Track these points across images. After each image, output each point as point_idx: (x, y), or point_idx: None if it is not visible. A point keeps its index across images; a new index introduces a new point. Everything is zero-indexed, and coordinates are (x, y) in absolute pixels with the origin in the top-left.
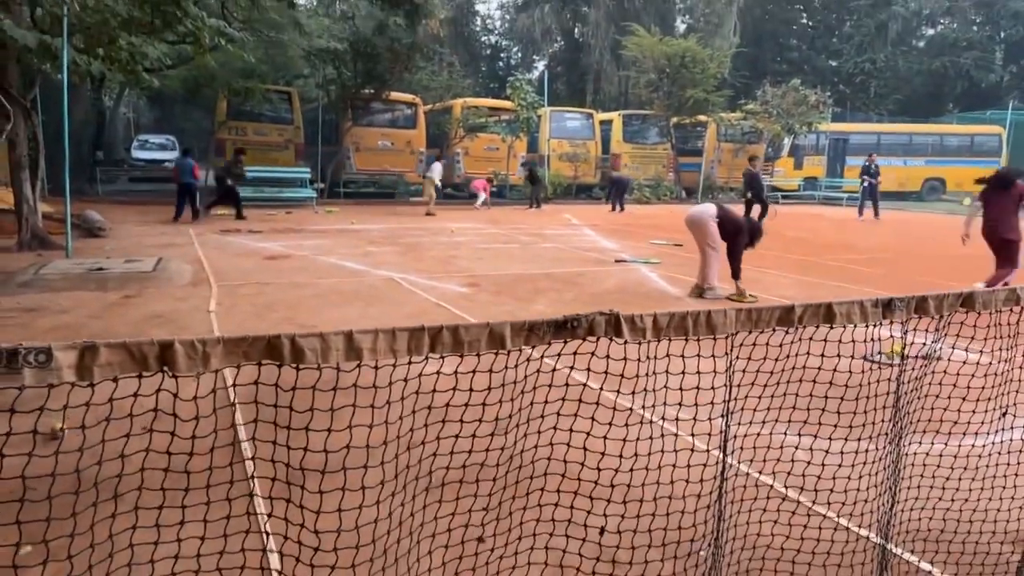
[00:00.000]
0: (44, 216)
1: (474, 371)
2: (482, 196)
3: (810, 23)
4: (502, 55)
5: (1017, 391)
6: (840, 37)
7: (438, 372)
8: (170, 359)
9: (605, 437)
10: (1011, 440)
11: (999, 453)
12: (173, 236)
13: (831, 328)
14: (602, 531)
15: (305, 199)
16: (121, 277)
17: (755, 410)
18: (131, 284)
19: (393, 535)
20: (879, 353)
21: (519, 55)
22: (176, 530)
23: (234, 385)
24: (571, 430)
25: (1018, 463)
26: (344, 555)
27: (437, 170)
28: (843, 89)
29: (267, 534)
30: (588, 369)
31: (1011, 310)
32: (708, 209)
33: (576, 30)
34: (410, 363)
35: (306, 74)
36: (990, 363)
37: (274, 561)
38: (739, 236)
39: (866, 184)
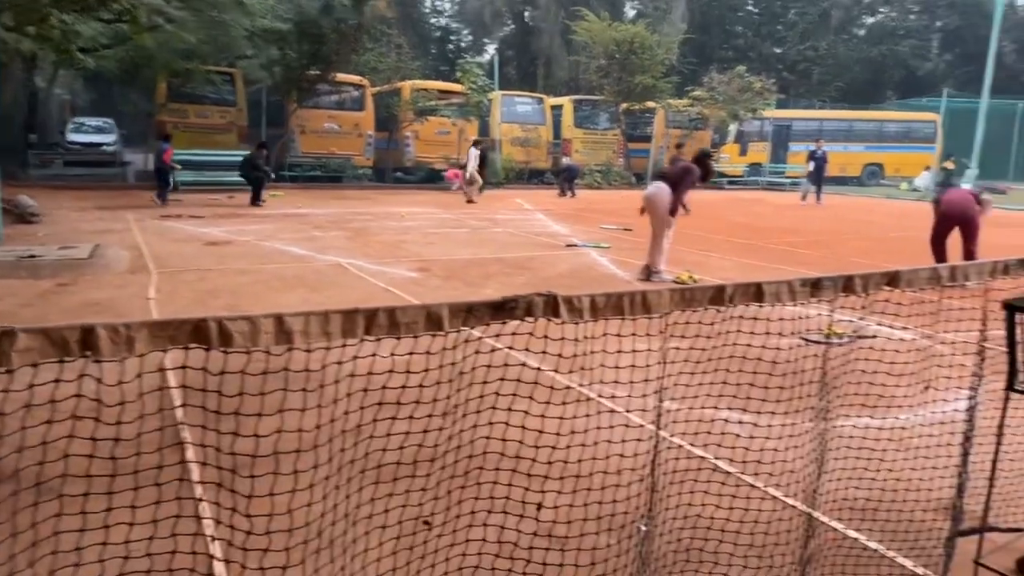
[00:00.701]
0: None
1: (411, 354)
2: (456, 183)
3: (756, 10)
4: (452, 38)
5: (939, 366)
6: (784, 24)
7: (374, 355)
8: (92, 344)
9: (543, 416)
10: (933, 413)
11: (922, 425)
12: (110, 222)
13: (761, 307)
14: (539, 507)
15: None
16: (55, 264)
17: (688, 386)
18: (66, 271)
19: (328, 518)
20: (814, 331)
21: (469, 38)
22: (103, 517)
23: (162, 370)
24: (510, 410)
25: (940, 435)
26: (278, 539)
27: (473, 156)
28: (787, 76)
29: (199, 519)
30: (527, 350)
31: (934, 288)
32: (663, 186)
33: (526, 14)
34: (344, 346)
35: (250, 55)
36: (913, 339)
37: (208, 547)
38: (688, 175)
39: (812, 169)
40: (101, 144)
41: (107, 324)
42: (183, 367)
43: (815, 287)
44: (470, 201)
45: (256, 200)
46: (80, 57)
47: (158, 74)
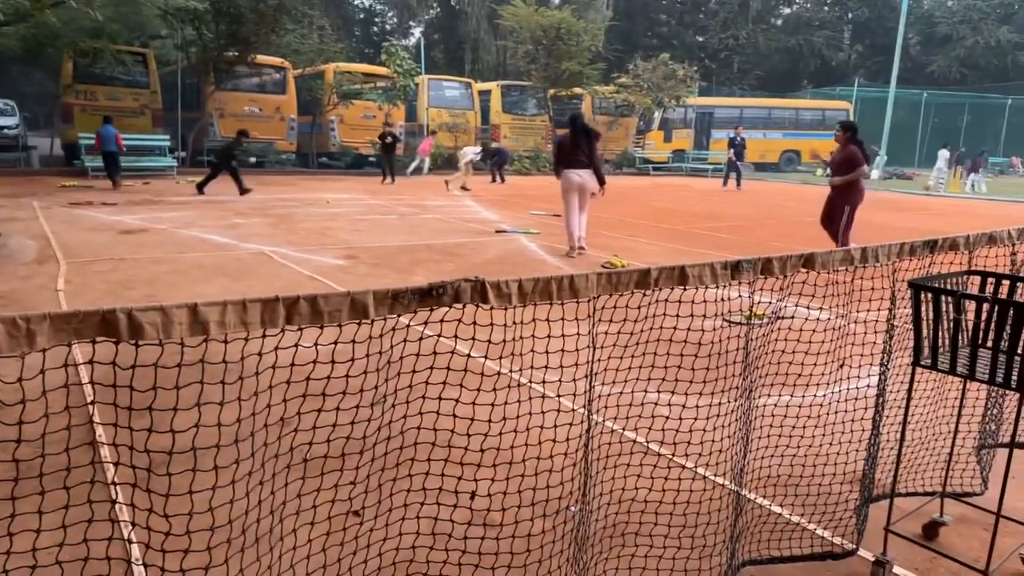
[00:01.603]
0: None
1: (335, 343)
2: (418, 160)
3: None
4: (376, 20)
5: (852, 344)
6: (706, 13)
7: (296, 345)
8: None
9: (474, 403)
10: (847, 390)
11: (837, 401)
12: (14, 210)
13: (685, 290)
14: (473, 495)
15: (164, 168)
16: None
17: (618, 370)
18: None
19: (252, 515)
20: (737, 312)
21: (394, 20)
22: (6, 524)
23: (67, 366)
24: (440, 398)
25: (854, 410)
26: (198, 538)
27: (471, 152)
28: (709, 64)
29: (115, 522)
30: (456, 336)
31: (847, 270)
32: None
33: None
34: (264, 336)
35: (163, 35)
36: (828, 319)
37: (123, 550)
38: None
39: (732, 155)
40: (2, 127)
41: (5, 317)
42: (91, 362)
43: (735, 270)
44: (464, 188)
45: (203, 187)
46: None
47: (63, 53)
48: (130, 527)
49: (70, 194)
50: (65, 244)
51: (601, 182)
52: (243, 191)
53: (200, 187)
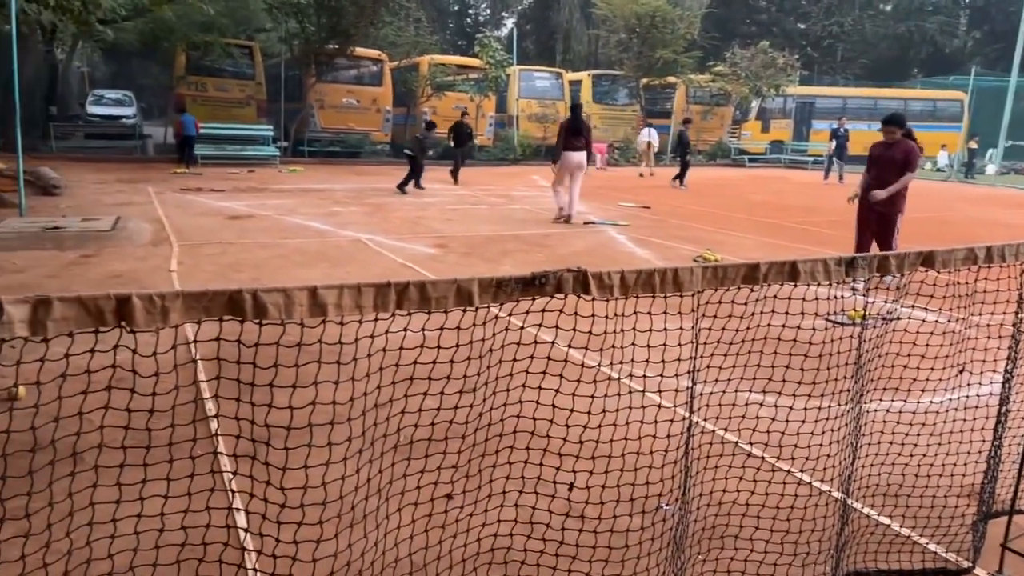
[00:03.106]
0: None
1: (442, 328)
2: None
3: None
4: (470, 12)
5: (973, 349)
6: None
7: (405, 329)
8: (127, 314)
9: (573, 395)
10: (967, 397)
11: (955, 410)
12: (131, 195)
13: (795, 287)
14: (571, 487)
15: (268, 157)
16: (78, 236)
17: (721, 367)
18: (89, 243)
19: (361, 492)
20: (840, 312)
21: (487, 12)
22: (138, 489)
23: (195, 341)
24: (540, 388)
25: (974, 419)
26: (311, 511)
27: (652, 135)
28: (811, 52)
29: (232, 492)
30: (556, 327)
31: (968, 270)
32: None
33: None
34: (376, 320)
35: (268, 28)
36: (947, 323)
37: (240, 519)
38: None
39: (833, 148)
40: (121, 117)
41: (142, 294)
42: (218, 339)
43: (850, 266)
44: (641, 175)
45: (410, 184)
46: (100, 29)
47: (177, 47)
48: (248, 498)
49: (182, 180)
50: (177, 228)
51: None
52: (407, 187)
53: (402, 187)
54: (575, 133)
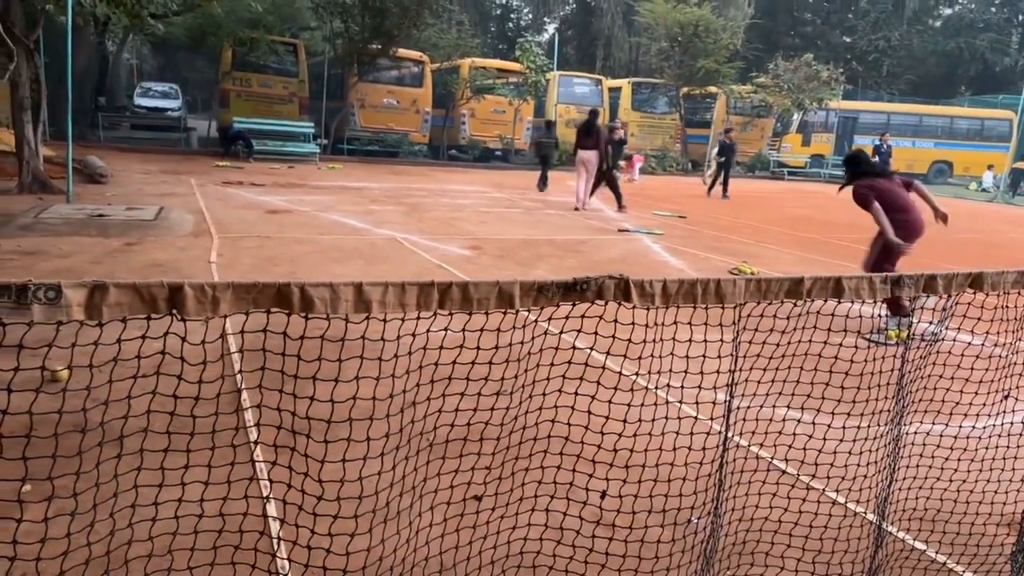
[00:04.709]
0: (45, 160)
1: (481, 330)
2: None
3: None
4: (512, 15)
5: (1022, 375)
6: (856, 13)
7: (446, 329)
8: (179, 302)
9: (610, 402)
10: (1010, 424)
11: (998, 436)
12: (174, 185)
13: (838, 303)
14: (603, 495)
15: (308, 154)
16: (122, 224)
17: (760, 382)
18: (132, 232)
19: (396, 488)
20: (880, 332)
21: (529, 16)
22: (180, 474)
23: (242, 332)
24: (576, 393)
25: (1017, 446)
26: (347, 505)
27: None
28: (856, 66)
29: (271, 482)
30: (596, 333)
31: (1019, 293)
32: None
33: None
34: (419, 318)
35: (313, 26)
36: (994, 346)
37: (276, 509)
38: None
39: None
40: (167, 109)
41: (195, 283)
42: (264, 330)
43: (896, 284)
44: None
45: (546, 183)
46: (151, 23)
47: (223, 42)
48: (286, 488)
49: (223, 173)
50: (218, 220)
51: (602, 160)
52: (543, 185)
53: (542, 186)
54: (586, 135)
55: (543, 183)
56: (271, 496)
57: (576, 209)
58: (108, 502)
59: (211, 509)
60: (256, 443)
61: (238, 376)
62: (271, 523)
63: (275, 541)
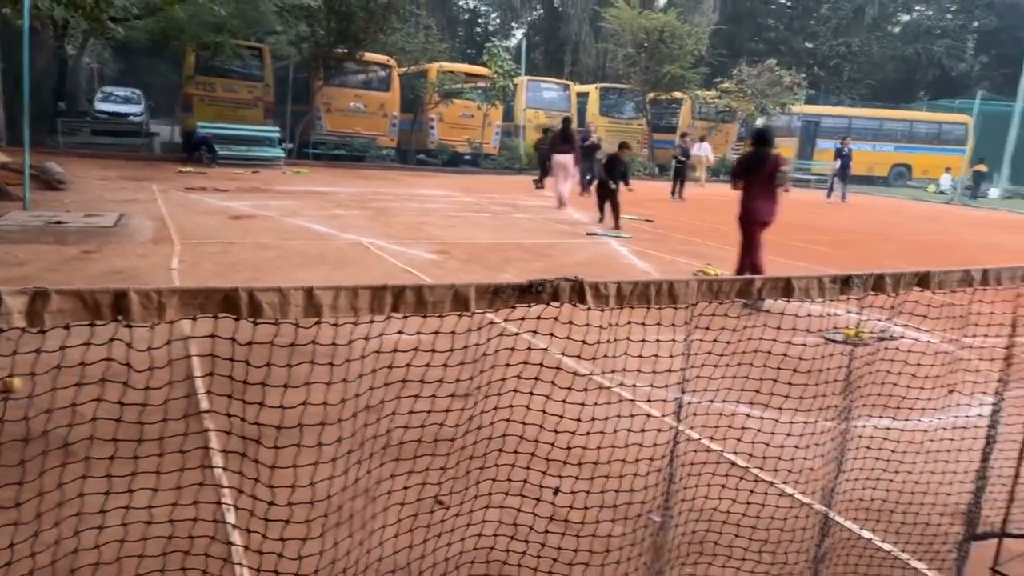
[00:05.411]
0: (1, 166)
1: (436, 333)
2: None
3: (788, 4)
4: (480, 20)
5: (964, 371)
6: (818, 19)
7: (400, 332)
8: (124, 308)
9: (564, 401)
10: (956, 418)
11: (943, 429)
12: (135, 192)
13: (788, 303)
14: (556, 491)
15: (273, 159)
16: (81, 231)
17: (710, 378)
18: (91, 239)
19: (349, 493)
20: (835, 330)
21: (497, 21)
22: (128, 482)
23: (189, 338)
24: (531, 393)
25: (961, 439)
26: (299, 510)
27: (707, 150)
28: (817, 72)
29: (221, 488)
30: (551, 335)
31: (964, 291)
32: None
33: None
34: (372, 322)
35: (278, 30)
36: (938, 343)
37: (228, 516)
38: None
39: (836, 167)
40: (128, 114)
41: (139, 289)
42: (212, 335)
43: (845, 284)
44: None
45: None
46: (111, 26)
47: (187, 46)
48: (237, 494)
49: (186, 179)
50: (180, 226)
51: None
52: (540, 183)
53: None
54: (563, 141)
55: (540, 182)
56: (221, 501)
57: (561, 207)
58: (53, 511)
59: (160, 516)
60: (206, 448)
61: (188, 383)
62: (222, 528)
63: (230, 547)
